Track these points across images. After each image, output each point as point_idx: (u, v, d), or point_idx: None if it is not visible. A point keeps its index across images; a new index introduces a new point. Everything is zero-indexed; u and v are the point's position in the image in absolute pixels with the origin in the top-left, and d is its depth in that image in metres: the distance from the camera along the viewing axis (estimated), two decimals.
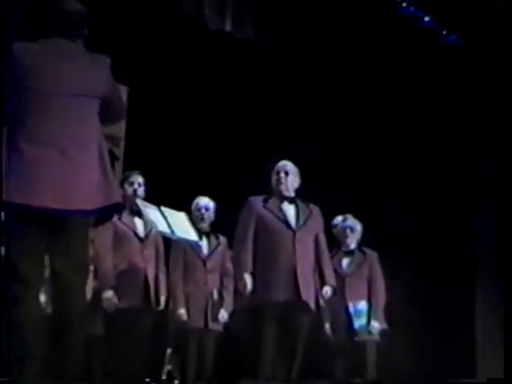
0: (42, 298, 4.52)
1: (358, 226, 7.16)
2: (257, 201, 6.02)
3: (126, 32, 7.24)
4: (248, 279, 5.83)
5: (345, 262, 7.01)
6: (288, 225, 5.94)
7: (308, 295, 5.84)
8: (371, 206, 9.02)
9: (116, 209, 4.32)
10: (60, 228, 4.03)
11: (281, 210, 5.98)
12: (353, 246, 7.10)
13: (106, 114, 4.19)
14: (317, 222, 6.10)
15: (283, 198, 6.03)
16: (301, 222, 5.97)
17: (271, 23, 8.04)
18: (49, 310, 4.31)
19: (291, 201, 6.04)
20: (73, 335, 4.03)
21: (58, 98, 4.02)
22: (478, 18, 8.53)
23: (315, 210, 6.13)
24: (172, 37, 7.67)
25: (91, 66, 4.16)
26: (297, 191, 6.13)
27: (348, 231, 7.09)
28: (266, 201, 6.02)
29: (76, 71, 4.09)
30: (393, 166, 9.53)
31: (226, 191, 7.13)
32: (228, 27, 7.56)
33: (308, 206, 6.09)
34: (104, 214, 4.23)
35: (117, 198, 4.21)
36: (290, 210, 6.01)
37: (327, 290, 6.03)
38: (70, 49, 4.15)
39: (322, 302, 6.02)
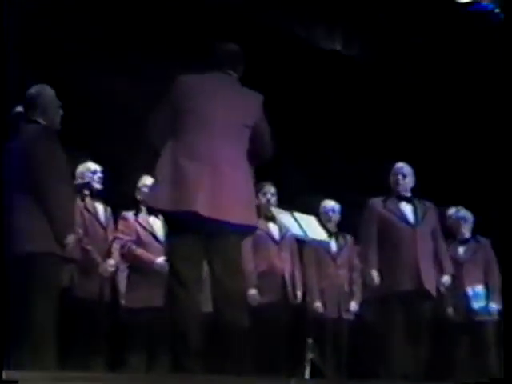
0: (200, 297, 4.56)
1: (470, 216, 7.21)
2: (377, 202, 6.17)
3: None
4: (375, 274, 5.98)
5: (461, 250, 7.06)
6: (408, 222, 6.05)
7: (430, 284, 5.96)
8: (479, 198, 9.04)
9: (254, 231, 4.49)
10: (217, 237, 4.19)
11: (399, 208, 6.11)
12: (467, 234, 7.16)
13: (254, 146, 4.31)
14: (433, 217, 6.20)
15: (401, 198, 6.15)
16: (419, 218, 6.08)
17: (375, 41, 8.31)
18: (206, 309, 4.40)
19: (408, 200, 6.16)
20: (231, 331, 4.16)
21: (216, 123, 4.19)
22: None
23: (430, 206, 6.22)
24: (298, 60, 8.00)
25: (246, 99, 4.35)
26: (412, 190, 6.23)
27: (462, 222, 7.17)
28: (385, 201, 6.16)
29: (232, 102, 4.28)
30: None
31: (348, 194, 7.28)
32: (338, 46, 7.89)
33: (423, 203, 6.19)
34: (248, 231, 4.38)
35: (255, 219, 4.38)
36: (407, 208, 6.12)
37: (447, 279, 6.19)
38: (226, 82, 4.37)
39: (442, 289, 6.16)
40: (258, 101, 4.36)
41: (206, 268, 4.31)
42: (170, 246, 4.35)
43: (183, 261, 4.17)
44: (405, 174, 6.20)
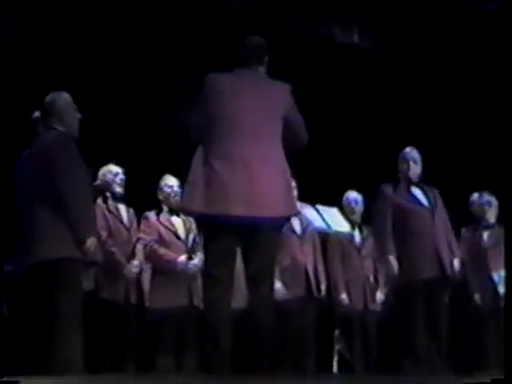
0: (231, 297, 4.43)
1: (495, 201, 7.02)
2: (388, 187, 5.98)
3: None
4: (393, 261, 5.78)
5: (485, 235, 6.94)
6: (423, 205, 5.90)
7: (451, 269, 5.81)
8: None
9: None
10: (252, 234, 4.14)
11: (411, 193, 5.95)
12: (492, 219, 6.98)
13: (288, 135, 4.24)
14: (442, 202, 6.03)
15: (410, 183, 5.99)
16: (432, 201, 5.93)
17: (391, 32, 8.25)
18: (238, 305, 4.42)
19: (417, 185, 6.00)
20: (261, 328, 4.11)
21: (245, 120, 4.16)
22: None
23: (436, 191, 6.05)
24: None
25: (273, 91, 4.29)
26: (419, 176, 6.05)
27: (486, 207, 7.01)
28: (395, 186, 5.99)
29: (260, 96, 4.23)
30: None
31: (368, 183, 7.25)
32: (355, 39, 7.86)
33: (431, 188, 6.04)
34: (284, 223, 4.34)
35: (295, 209, 4.36)
36: (418, 192, 5.97)
37: (457, 263, 5.94)
38: (252, 77, 4.31)
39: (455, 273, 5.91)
40: (285, 90, 4.31)
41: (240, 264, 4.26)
42: (205, 246, 4.32)
43: (215, 257, 4.15)
44: (415, 159, 6.04)
